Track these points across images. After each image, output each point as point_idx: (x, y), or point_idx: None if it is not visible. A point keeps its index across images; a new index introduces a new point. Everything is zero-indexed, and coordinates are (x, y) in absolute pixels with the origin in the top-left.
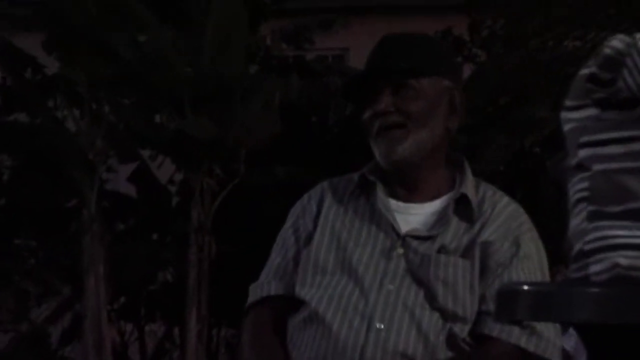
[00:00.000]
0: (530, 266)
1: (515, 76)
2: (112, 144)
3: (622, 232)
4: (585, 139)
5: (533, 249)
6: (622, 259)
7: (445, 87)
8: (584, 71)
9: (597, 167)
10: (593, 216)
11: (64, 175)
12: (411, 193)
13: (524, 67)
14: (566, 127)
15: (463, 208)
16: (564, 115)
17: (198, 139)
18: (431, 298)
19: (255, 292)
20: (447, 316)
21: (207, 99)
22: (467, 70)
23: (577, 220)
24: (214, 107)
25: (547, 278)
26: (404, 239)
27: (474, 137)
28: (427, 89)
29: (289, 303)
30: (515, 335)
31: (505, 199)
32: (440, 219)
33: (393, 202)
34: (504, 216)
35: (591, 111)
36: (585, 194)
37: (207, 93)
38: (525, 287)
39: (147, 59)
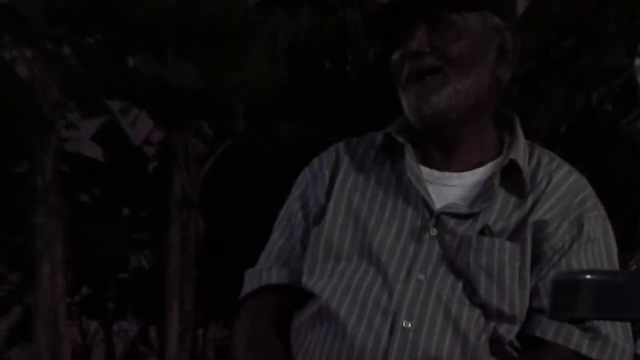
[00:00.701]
0: (595, 252)
1: (581, 11)
2: (73, 93)
3: None
4: None
5: (599, 230)
6: None
7: (495, 25)
8: None
9: None
10: None
11: (11, 133)
12: (448, 159)
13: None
14: None
15: (512, 179)
16: (638, 62)
17: (182, 89)
18: (471, 291)
19: (253, 280)
20: (491, 314)
21: (193, 39)
22: (521, 4)
23: None
24: (202, 49)
25: (616, 265)
26: (438, 217)
27: (527, 89)
28: (473, 26)
29: (295, 295)
30: (575, 340)
31: (566, 168)
32: (484, 193)
33: (425, 170)
34: (564, 190)
35: None
36: None
37: (194, 31)
38: (589, 277)
39: None
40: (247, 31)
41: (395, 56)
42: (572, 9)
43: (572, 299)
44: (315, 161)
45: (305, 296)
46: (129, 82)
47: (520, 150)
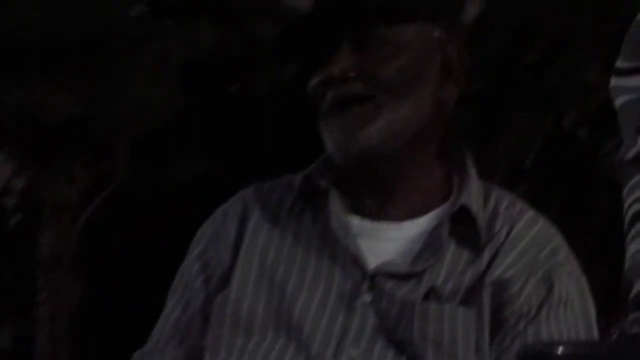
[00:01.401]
0: (568, 316)
1: (548, 17)
2: None
3: None
4: None
5: (573, 289)
6: None
7: (436, 38)
8: None
9: None
10: None
11: None
12: (383, 206)
13: (561, 1)
14: (618, 101)
15: (464, 228)
16: (616, 82)
17: (50, 122)
18: None
19: None
20: None
21: (64, 59)
22: (471, 11)
23: (637, 245)
24: (75, 72)
25: (595, 332)
26: (373, 279)
27: (482, 114)
28: (408, 42)
29: None
30: None
31: (530, 213)
32: (430, 246)
33: (356, 221)
34: (528, 240)
35: None
36: None
37: (65, 49)
38: (562, 350)
39: None
40: (130, 48)
41: (314, 82)
42: (536, 16)
43: None
44: (218, 213)
45: None
46: None
47: (473, 193)
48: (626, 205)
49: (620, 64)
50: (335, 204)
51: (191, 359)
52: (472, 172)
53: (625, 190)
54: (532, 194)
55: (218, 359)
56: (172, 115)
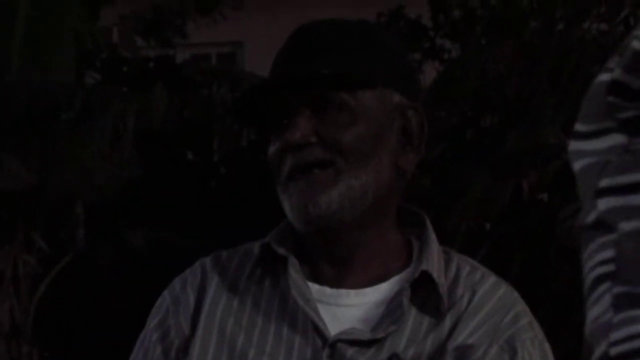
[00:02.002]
0: None
1: (504, 80)
2: None
3: None
4: (606, 182)
5: (536, 355)
6: None
7: (395, 103)
8: (603, 77)
9: (625, 226)
10: (621, 302)
11: None
12: (343, 273)
13: (519, 64)
14: (577, 165)
15: (425, 295)
16: (575, 146)
17: (7, 192)
18: None
19: None
20: None
21: (16, 127)
22: (430, 74)
23: (597, 310)
24: (28, 140)
25: None
26: (333, 346)
27: (441, 179)
28: (368, 107)
29: None
30: None
31: (492, 279)
32: (391, 313)
33: (315, 288)
34: (491, 306)
35: (615, 139)
36: (608, 268)
37: (17, 117)
38: None
39: None
40: (84, 115)
41: (273, 148)
42: (493, 79)
43: None
44: (176, 282)
45: None
46: None
47: (434, 259)
48: (586, 270)
49: (579, 127)
50: (294, 271)
51: None
52: (432, 237)
53: (584, 255)
54: (493, 258)
55: None
56: (129, 181)
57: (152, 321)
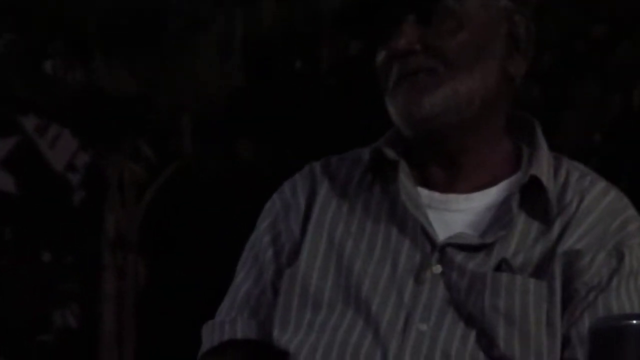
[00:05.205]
0: (639, 287)
1: None
2: None
3: None
4: None
5: None
6: None
7: (502, 8)
8: None
9: None
10: None
11: None
12: (452, 178)
13: None
14: None
15: (534, 200)
16: None
17: (114, 100)
18: (488, 343)
19: (213, 334)
20: None
21: (126, 37)
22: None
23: None
24: (137, 50)
25: None
26: (442, 250)
27: (551, 90)
28: (474, 12)
29: (265, 353)
30: None
31: (601, 185)
32: (500, 218)
33: (425, 193)
34: (599, 212)
35: None
36: None
37: (127, 27)
38: (633, 322)
39: None
40: (194, 25)
41: (380, 57)
42: None
43: (616, 350)
44: (286, 186)
45: (278, 355)
46: (46, 91)
47: (544, 165)
48: None
49: None
50: (404, 176)
51: (262, 331)
52: (542, 144)
53: None
54: (603, 168)
55: (286, 333)
56: (237, 92)
57: (263, 224)
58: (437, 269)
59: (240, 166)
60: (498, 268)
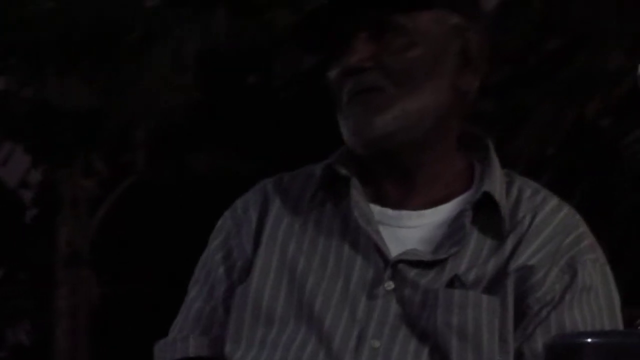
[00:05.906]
0: (592, 304)
1: (573, 5)
2: None
3: None
4: None
5: (597, 278)
6: None
7: (454, 25)
8: None
9: None
10: None
11: None
12: (405, 194)
13: None
14: None
15: (487, 216)
16: None
17: (66, 115)
18: (441, 359)
19: (164, 353)
20: None
21: (79, 52)
22: None
23: None
24: (90, 65)
25: (620, 323)
26: (395, 267)
27: (504, 104)
28: (426, 30)
29: None
30: None
31: (554, 201)
32: (452, 234)
33: (377, 210)
34: (552, 228)
35: None
36: None
37: (80, 42)
38: (588, 340)
39: None
40: (146, 39)
41: (332, 73)
42: (558, 3)
43: None
44: (238, 203)
45: None
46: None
47: (496, 181)
48: None
49: None
50: (356, 193)
51: (214, 348)
52: (495, 161)
53: None
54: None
55: (239, 350)
56: (190, 106)
57: (214, 241)
58: (390, 285)
59: (194, 181)
60: (450, 284)
